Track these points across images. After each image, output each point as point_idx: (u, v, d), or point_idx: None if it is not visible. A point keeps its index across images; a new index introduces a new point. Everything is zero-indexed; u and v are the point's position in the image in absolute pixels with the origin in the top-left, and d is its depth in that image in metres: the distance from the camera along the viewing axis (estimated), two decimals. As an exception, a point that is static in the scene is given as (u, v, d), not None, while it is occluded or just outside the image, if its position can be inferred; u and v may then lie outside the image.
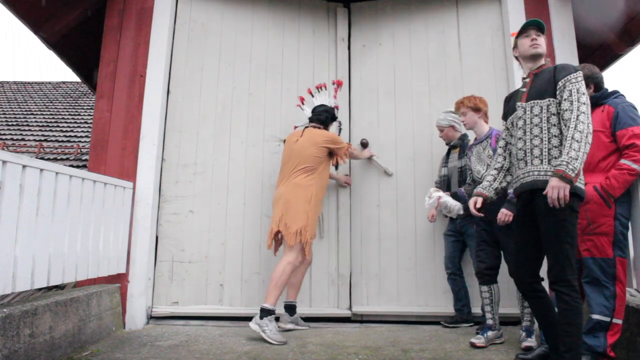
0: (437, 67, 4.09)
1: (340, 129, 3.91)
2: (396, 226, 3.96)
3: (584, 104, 2.15)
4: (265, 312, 3.02)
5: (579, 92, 2.18)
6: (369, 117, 4.11)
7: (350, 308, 3.76)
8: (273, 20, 4.16)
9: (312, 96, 3.72)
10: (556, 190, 2.07)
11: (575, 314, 2.08)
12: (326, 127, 3.61)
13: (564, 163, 2.07)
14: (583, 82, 2.22)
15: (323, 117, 3.58)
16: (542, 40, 2.40)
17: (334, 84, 3.78)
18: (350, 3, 4.34)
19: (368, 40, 4.25)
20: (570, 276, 2.12)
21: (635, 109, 2.57)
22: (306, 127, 3.56)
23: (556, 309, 2.20)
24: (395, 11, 4.28)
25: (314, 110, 3.64)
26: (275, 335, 2.95)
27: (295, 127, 3.74)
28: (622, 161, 2.45)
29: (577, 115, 2.13)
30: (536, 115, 2.29)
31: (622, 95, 2.65)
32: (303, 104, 3.78)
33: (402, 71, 4.15)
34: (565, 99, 2.20)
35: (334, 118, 3.66)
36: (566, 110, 2.18)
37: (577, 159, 2.06)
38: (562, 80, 2.24)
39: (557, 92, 2.25)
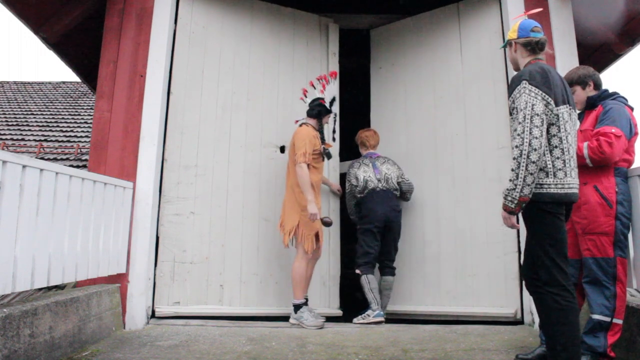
0: (441, 77, 4.22)
1: (335, 121, 3.97)
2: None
3: (521, 122, 2.12)
4: (295, 307, 3.41)
5: (519, 107, 2.16)
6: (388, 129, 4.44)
7: (340, 307, 3.96)
8: (270, 29, 4.23)
9: (315, 88, 3.79)
10: (503, 220, 2.26)
11: (568, 313, 2.09)
12: (320, 121, 3.69)
13: (504, 195, 2.19)
14: (526, 92, 2.14)
15: (315, 111, 3.67)
16: (508, 54, 2.48)
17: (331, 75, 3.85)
18: (370, 30, 4.72)
19: (384, 63, 4.57)
20: (559, 276, 2.12)
21: (627, 114, 2.55)
22: (301, 124, 3.67)
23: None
24: (406, 32, 4.49)
25: (310, 105, 3.73)
26: (311, 321, 3.32)
27: (297, 121, 3.82)
28: (584, 143, 2.51)
29: (515, 138, 2.15)
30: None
31: (622, 97, 2.64)
32: (306, 96, 3.82)
33: (412, 88, 4.35)
34: (514, 118, 2.22)
35: (327, 111, 3.71)
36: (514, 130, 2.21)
37: (514, 189, 2.13)
38: (511, 98, 2.25)
39: (511, 112, 2.26)
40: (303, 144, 3.45)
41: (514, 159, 2.14)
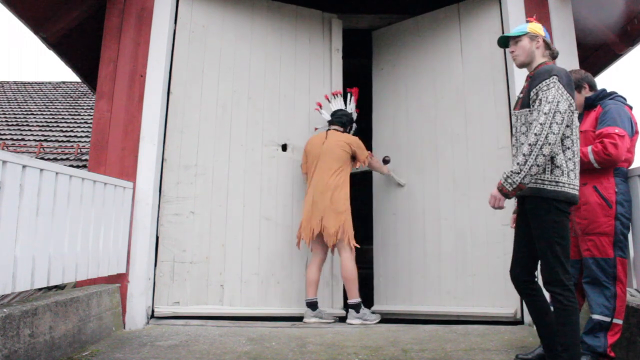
0: (441, 78, 4.22)
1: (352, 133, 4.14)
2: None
3: (545, 113, 2.11)
4: (355, 306, 3.53)
5: (546, 100, 2.14)
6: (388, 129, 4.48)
7: (344, 307, 3.88)
8: (271, 26, 4.21)
9: (329, 102, 4.00)
10: (492, 200, 2.22)
11: (570, 313, 2.10)
12: (346, 130, 3.89)
13: (504, 176, 2.16)
14: (555, 87, 2.15)
15: (344, 120, 3.87)
16: (518, 48, 2.41)
17: (349, 92, 4.05)
18: (371, 32, 4.74)
19: (385, 64, 4.57)
20: (563, 276, 2.12)
21: (627, 113, 2.55)
22: (328, 129, 3.82)
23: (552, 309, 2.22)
24: (407, 33, 4.49)
25: (334, 114, 3.90)
26: (372, 317, 3.54)
27: (316, 129, 3.99)
28: (588, 147, 2.49)
29: (535, 126, 2.13)
30: (523, 124, 2.30)
31: (620, 96, 2.64)
32: (322, 108, 4.02)
33: (413, 88, 4.35)
34: (534, 109, 2.21)
35: (351, 122, 3.95)
36: (533, 120, 2.20)
37: (519, 173, 2.11)
38: (535, 89, 2.23)
39: (531, 102, 2.24)
40: (363, 146, 3.80)
41: (528, 144, 2.11)
